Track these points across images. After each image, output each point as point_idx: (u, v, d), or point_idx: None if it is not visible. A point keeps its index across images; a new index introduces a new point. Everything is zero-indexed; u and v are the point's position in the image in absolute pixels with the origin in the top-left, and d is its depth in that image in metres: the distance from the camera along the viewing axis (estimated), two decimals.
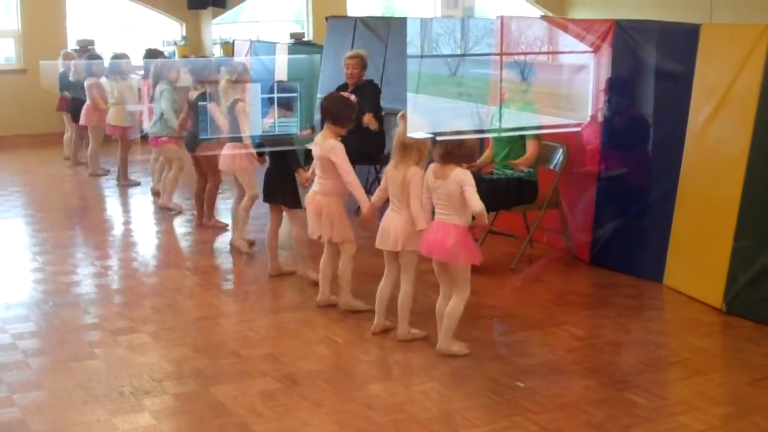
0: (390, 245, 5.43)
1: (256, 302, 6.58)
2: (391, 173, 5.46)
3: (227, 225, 8.34)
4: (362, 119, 8.01)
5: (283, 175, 6.64)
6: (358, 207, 6.02)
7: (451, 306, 5.20)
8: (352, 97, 7.92)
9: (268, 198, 6.76)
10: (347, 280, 6.02)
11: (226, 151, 7.57)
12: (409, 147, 5.34)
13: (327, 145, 5.89)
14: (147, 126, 9.32)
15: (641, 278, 6.72)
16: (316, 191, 6.04)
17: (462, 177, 5.05)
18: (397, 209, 5.43)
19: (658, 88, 6.65)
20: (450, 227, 5.10)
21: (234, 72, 7.57)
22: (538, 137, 7.02)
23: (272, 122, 6.85)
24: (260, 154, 7.09)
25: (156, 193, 9.86)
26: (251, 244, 7.70)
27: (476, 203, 4.98)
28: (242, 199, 7.67)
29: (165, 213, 9.25)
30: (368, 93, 8.37)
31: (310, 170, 6.26)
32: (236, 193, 7.90)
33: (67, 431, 4.45)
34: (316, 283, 6.37)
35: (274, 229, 6.84)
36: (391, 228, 5.41)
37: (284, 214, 6.76)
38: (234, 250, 7.67)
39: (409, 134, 5.34)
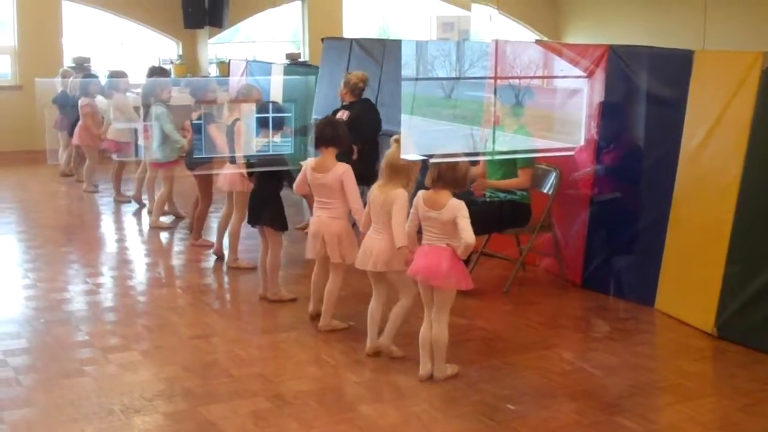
0: (369, 266, 5.46)
1: (248, 322, 6.58)
2: (374, 194, 5.47)
3: (214, 244, 8.30)
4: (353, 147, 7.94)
5: (269, 196, 6.62)
6: (353, 224, 6.03)
7: (436, 334, 5.17)
8: (345, 115, 7.96)
9: (254, 220, 6.72)
10: (334, 300, 6.04)
11: (227, 171, 7.57)
12: (400, 169, 5.36)
13: (339, 169, 5.90)
14: (151, 154, 9.27)
15: (633, 302, 6.73)
16: (331, 216, 5.95)
17: (457, 208, 5.03)
18: (379, 230, 5.44)
19: (652, 113, 6.68)
20: (443, 252, 5.08)
21: (247, 96, 7.50)
22: (533, 166, 7.04)
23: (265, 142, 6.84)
24: (250, 175, 7.06)
25: (150, 212, 9.84)
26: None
27: (469, 235, 4.96)
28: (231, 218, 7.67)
29: (158, 231, 9.25)
30: (360, 110, 8.29)
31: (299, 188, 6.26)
32: (228, 212, 7.83)
33: None
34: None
35: (266, 251, 6.82)
36: (373, 249, 5.44)
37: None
38: (230, 270, 7.65)
39: (402, 156, 5.36)
